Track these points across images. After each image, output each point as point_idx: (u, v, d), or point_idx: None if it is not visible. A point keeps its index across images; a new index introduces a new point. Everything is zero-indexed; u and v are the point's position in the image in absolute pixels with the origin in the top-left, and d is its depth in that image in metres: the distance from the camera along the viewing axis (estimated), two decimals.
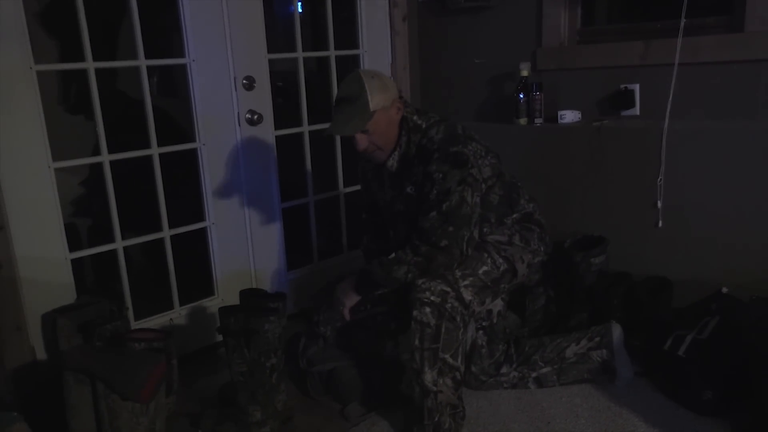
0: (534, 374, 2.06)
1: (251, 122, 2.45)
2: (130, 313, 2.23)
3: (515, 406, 2.00)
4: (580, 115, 2.48)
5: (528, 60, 2.55)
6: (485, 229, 1.85)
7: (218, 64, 2.34)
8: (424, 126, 1.82)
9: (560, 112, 2.47)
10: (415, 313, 1.72)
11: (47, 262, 2.04)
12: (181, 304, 2.41)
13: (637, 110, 2.35)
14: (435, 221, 1.70)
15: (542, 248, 1.96)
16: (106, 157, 2.16)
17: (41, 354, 2.02)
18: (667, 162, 2.23)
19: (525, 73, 2.52)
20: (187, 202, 2.47)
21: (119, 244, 2.23)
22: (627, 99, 2.36)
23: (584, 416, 1.93)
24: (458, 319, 1.74)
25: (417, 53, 2.93)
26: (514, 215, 1.93)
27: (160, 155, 2.28)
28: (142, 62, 2.20)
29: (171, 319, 2.35)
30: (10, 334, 1.94)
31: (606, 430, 1.85)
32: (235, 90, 2.39)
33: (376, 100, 1.74)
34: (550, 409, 1.98)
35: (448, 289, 1.72)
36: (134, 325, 2.21)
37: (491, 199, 1.86)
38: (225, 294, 2.48)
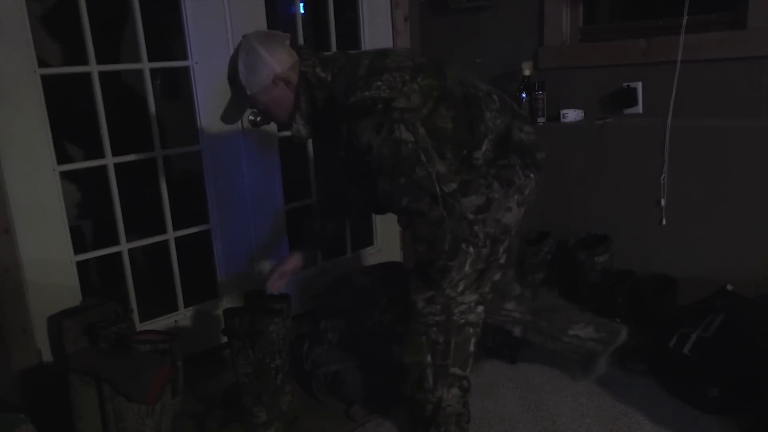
0: (527, 328, 1.98)
1: (255, 124, 2.45)
2: (135, 315, 2.23)
3: (520, 405, 2.01)
4: (582, 114, 2.48)
5: (530, 59, 2.55)
6: (453, 186, 1.53)
7: (221, 66, 2.34)
8: (329, 78, 1.60)
9: (563, 111, 2.47)
10: (421, 329, 1.64)
11: (53, 265, 2.05)
12: (186, 305, 2.41)
13: (639, 108, 2.35)
14: (382, 183, 1.50)
15: (531, 174, 1.67)
16: (110, 160, 2.17)
17: (47, 356, 2.03)
18: (671, 160, 2.23)
19: (527, 72, 2.51)
20: (191, 204, 2.48)
21: (124, 247, 2.24)
22: (629, 97, 2.36)
23: (590, 415, 1.93)
24: (470, 329, 1.66)
25: (419, 53, 2.92)
26: (484, 149, 1.60)
27: (164, 157, 2.29)
28: (146, 65, 2.21)
29: (176, 320, 2.36)
30: (17, 337, 1.95)
31: (612, 429, 1.85)
32: None
33: (251, 83, 1.58)
34: (556, 408, 1.98)
35: (450, 303, 1.62)
36: (139, 327, 2.21)
37: (441, 125, 1.54)
38: (229, 295, 2.48)
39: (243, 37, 1.62)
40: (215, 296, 2.48)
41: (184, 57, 2.30)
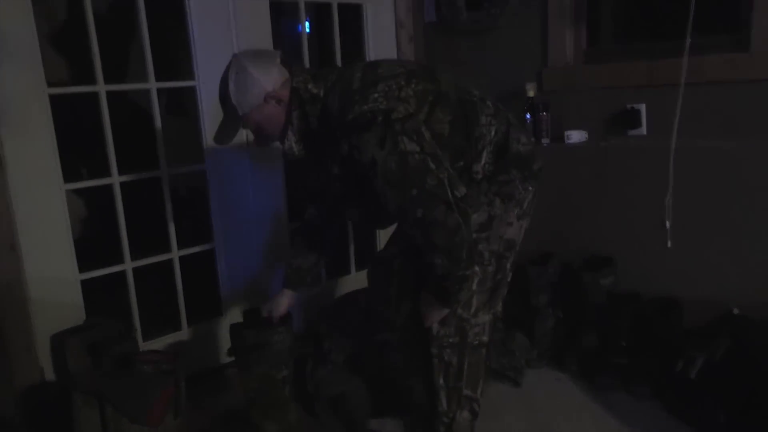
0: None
1: (259, 144, 2.45)
2: (138, 334, 2.23)
3: (526, 429, 1.99)
4: (586, 135, 2.48)
5: (534, 80, 2.56)
6: (464, 191, 1.50)
7: None
8: (321, 94, 1.58)
9: (567, 132, 2.47)
10: (434, 351, 1.63)
11: (57, 283, 2.05)
12: (189, 324, 2.41)
13: (643, 130, 2.35)
14: (393, 198, 1.45)
15: (530, 186, 1.66)
16: (116, 179, 2.18)
17: (50, 375, 2.02)
18: (675, 181, 2.23)
19: (531, 93, 2.53)
20: (195, 222, 2.48)
21: (128, 265, 2.24)
22: (633, 118, 2.36)
23: None
24: (483, 350, 1.65)
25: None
26: (484, 162, 1.59)
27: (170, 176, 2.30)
28: (153, 85, 2.23)
29: (179, 340, 2.35)
30: (20, 355, 1.95)
31: None
32: None
33: (242, 102, 1.57)
34: (560, 430, 1.96)
35: (464, 324, 1.61)
36: (142, 345, 2.21)
37: (438, 130, 1.53)
38: (232, 314, 2.47)
39: (233, 56, 1.61)
40: (218, 315, 2.48)
41: (191, 77, 2.31)
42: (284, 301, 1.92)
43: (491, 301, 1.64)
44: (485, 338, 1.65)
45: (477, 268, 1.58)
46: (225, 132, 1.65)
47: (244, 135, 2.42)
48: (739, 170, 2.12)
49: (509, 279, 1.71)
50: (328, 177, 1.66)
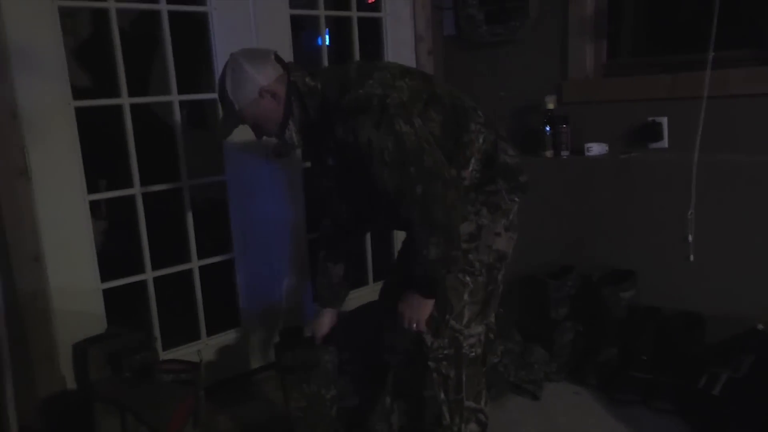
0: None
1: (279, 155, 2.47)
2: (158, 344, 2.24)
3: None
4: (607, 148, 2.47)
5: (554, 93, 2.56)
6: (453, 173, 1.56)
7: None
8: (319, 86, 1.61)
9: (587, 145, 2.46)
10: (432, 364, 1.64)
11: (79, 293, 2.08)
12: (208, 334, 2.42)
13: (665, 143, 2.34)
14: (391, 178, 1.48)
15: (516, 197, 1.70)
16: (138, 190, 2.21)
17: (71, 384, 2.04)
18: (698, 195, 2.21)
19: (551, 105, 2.52)
20: (215, 233, 2.50)
21: (149, 275, 2.26)
22: (655, 132, 2.35)
23: None
24: (478, 364, 1.66)
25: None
26: (471, 169, 1.63)
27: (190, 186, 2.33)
28: (175, 98, 2.26)
29: (199, 350, 2.36)
30: (42, 363, 1.97)
31: None
32: None
33: (239, 98, 1.60)
34: None
35: (457, 335, 1.63)
36: (162, 355, 2.22)
37: (430, 128, 1.57)
38: (250, 325, 2.49)
39: (230, 55, 1.66)
40: (237, 325, 2.49)
41: (212, 90, 2.34)
42: (326, 321, 1.93)
43: (483, 312, 1.66)
44: (480, 350, 1.67)
45: (468, 279, 1.62)
46: (224, 127, 1.71)
47: (262, 147, 2.44)
48: (763, 184, 2.10)
49: (500, 291, 1.73)
50: (321, 170, 1.71)
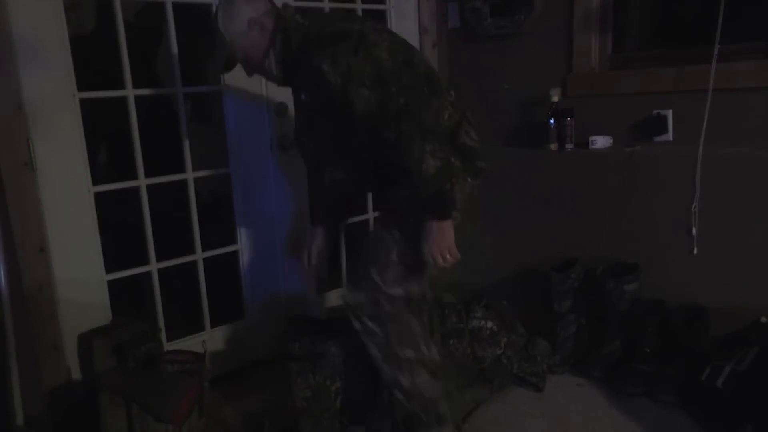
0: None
1: (283, 148, 2.48)
2: (163, 335, 2.25)
3: None
4: (611, 141, 2.46)
5: (558, 86, 2.55)
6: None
7: (252, 91, 2.39)
8: (306, 23, 1.66)
9: (591, 138, 2.46)
10: (356, 325, 1.65)
11: (84, 284, 2.09)
12: (212, 326, 2.43)
13: (670, 136, 2.33)
14: (372, 98, 1.49)
15: (468, 179, 1.72)
16: (143, 181, 2.21)
17: (76, 374, 2.05)
18: (702, 188, 2.20)
19: (556, 98, 2.52)
20: (219, 225, 2.51)
21: (154, 266, 2.27)
22: (659, 125, 2.34)
23: None
24: (403, 316, 1.64)
25: (446, 79, 2.95)
26: None
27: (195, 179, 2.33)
28: (179, 89, 2.26)
29: (204, 341, 2.37)
30: (48, 354, 1.98)
31: None
32: (268, 116, 2.44)
33: (229, 29, 1.67)
34: None
35: (376, 296, 1.62)
36: (166, 346, 2.23)
37: None
38: (254, 316, 2.50)
39: None
40: (241, 317, 2.50)
41: (217, 82, 2.35)
42: (318, 240, 1.95)
43: (407, 279, 1.65)
44: (402, 304, 1.64)
45: (398, 235, 1.63)
46: (218, 60, 1.76)
47: (267, 140, 2.45)
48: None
49: (430, 271, 1.71)
50: (297, 106, 1.76)
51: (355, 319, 1.65)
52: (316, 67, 1.55)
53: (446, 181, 1.53)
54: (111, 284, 2.17)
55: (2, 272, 1.86)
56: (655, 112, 2.35)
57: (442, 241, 1.57)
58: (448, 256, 1.58)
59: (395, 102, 1.47)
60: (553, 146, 2.54)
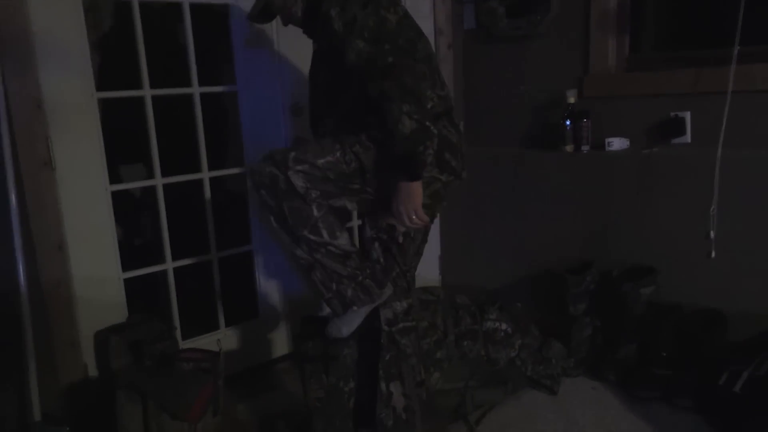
0: None
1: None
2: (178, 333, 2.27)
3: None
4: (628, 143, 2.44)
5: (575, 87, 2.54)
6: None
7: (266, 91, 2.41)
8: None
9: (608, 140, 2.44)
10: (257, 195, 1.70)
11: (101, 282, 2.11)
12: (227, 325, 2.44)
13: (688, 138, 2.30)
14: (365, 51, 1.55)
15: (437, 173, 1.75)
16: (159, 181, 2.23)
17: (93, 371, 2.08)
18: (721, 191, 2.18)
19: (572, 100, 2.50)
20: (234, 225, 2.52)
21: (169, 265, 2.29)
22: (677, 127, 2.32)
23: None
24: (297, 199, 1.65)
25: (462, 80, 2.95)
26: None
27: (210, 179, 2.34)
28: (196, 90, 2.28)
29: (218, 339, 2.38)
30: (65, 351, 2.00)
31: None
32: (284, 116, 2.45)
33: None
34: None
35: (277, 173, 1.63)
36: (182, 344, 2.25)
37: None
38: (268, 316, 2.51)
39: None
40: (255, 316, 2.51)
41: (232, 82, 2.36)
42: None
43: (316, 183, 1.65)
44: (298, 198, 1.66)
45: (339, 151, 1.65)
46: (256, 8, 1.83)
47: (282, 139, 2.46)
48: None
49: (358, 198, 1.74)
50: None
51: (254, 186, 1.70)
52: (325, 12, 1.62)
53: (420, 143, 1.56)
54: (127, 282, 2.19)
55: (21, 270, 1.87)
56: (672, 113, 2.32)
57: (409, 202, 1.62)
58: (414, 217, 1.64)
59: (384, 59, 1.53)
60: (569, 148, 2.52)
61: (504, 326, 2.33)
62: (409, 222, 1.66)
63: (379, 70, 1.54)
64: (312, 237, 1.68)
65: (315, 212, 1.67)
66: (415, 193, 1.61)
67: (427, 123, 1.55)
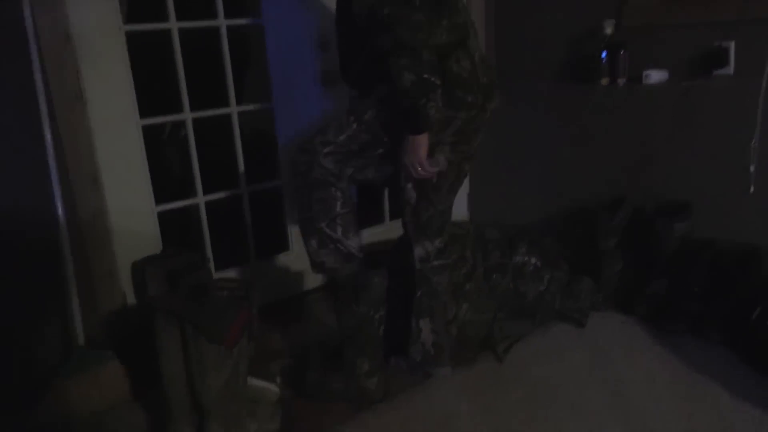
0: None
1: (325, 82, 2.46)
2: (211, 265, 2.32)
3: (588, 369, 1.98)
4: (667, 75, 2.35)
5: (612, 17, 2.43)
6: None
7: (292, 25, 2.36)
8: None
9: (645, 72, 2.35)
10: (294, 182, 1.78)
11: (136, 214, 2.15)
12: (258, 258, 2.48)
13: (731, 69, 2.21)
14: (365, 1, 1.55)
15: (452, 112, 1.71)
16: (188, 115, 2.23)
17: (131, 299, 2.14)
18: (763, 124, 2.10)
19: (609, 30, 2.40)
20: (264, 160, 2.53)
21: (201, 199, 2.32)
22: (720, 57, 2.22)
23: (661, 382, 1.88)
24: (326, 190, 1.75)
25: (493, 11, 2.85)
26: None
27: (239, 113, 2.34)
28: (222, 22, 2.25)
29: (250, 270, 2.43)
30: (103, 279, 2.07)
31: (685, 398, 1.81)
32: (312, 51, 2.41)
33: None
34: (625, 372, 1.94)
35: (311, 159, 1.73)
36: (215, 276, 2.30)
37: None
38: (299, 249, 2.54)
39: None
40: (286, 249, 2.55)
41: (258, 15, 2.32)
42: None
43: (345, 160, 1.74)
44: (332, 186, 1.78)
45: (354, 123, 1.72)
46: None
47: (310, 74, 2.42)
48: None
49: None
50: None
51: (293, 176, 1.79)
52: None
53: (420, 96, 1.55)
54: (161, 216, 2.23)
55: (60, 202, 1.92)
56: (716, 43, 2.22)
57: (414, 154, 1.65)
58: (419, 168, 1.67)
59: (381, 11, 1.52)
60: (605, 81, 2.44)
61: (533, 260, 2.32)
62: (415, 174, 1.69)
63: (377, 23, 1.54)
64: (327, 230, 1.78)
65: (339, 208, 1.76)
66: (419, 145, 1.63)
67: (426, 75, 1.53)
